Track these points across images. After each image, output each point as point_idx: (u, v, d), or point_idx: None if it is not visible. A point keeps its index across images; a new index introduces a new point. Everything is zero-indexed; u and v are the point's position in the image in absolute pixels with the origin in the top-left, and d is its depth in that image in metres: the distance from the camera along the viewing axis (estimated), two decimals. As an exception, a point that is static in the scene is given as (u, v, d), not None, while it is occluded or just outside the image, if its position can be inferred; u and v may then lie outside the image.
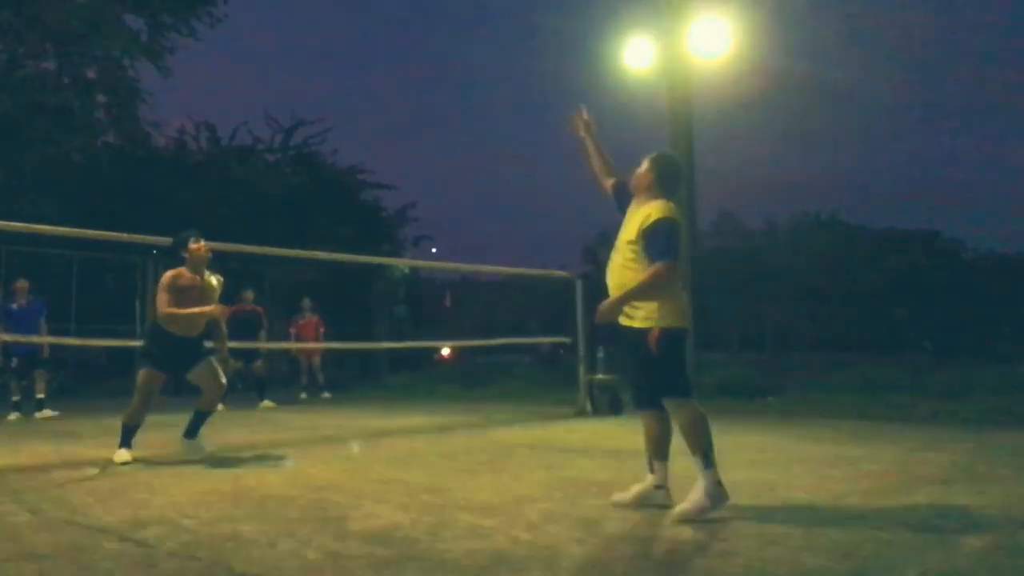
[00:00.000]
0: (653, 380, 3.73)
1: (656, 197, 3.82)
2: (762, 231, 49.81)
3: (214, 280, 5.83)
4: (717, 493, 3.53)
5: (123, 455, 5.47)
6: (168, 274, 5.66)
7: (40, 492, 4.33)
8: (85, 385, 14.88)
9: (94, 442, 6.78)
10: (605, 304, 3.74)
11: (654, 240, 3.68)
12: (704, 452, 3.58)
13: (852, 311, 38.72)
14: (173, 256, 5.80)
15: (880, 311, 38.89)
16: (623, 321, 3.77)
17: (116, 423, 5.89)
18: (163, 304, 5.57)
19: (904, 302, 38.66)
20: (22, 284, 9.88)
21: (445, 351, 12.11)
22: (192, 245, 5.69)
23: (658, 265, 3.64)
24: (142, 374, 5.77)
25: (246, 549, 3.06)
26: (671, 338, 3.66)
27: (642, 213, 3.77)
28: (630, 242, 3.77)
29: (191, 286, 5.65)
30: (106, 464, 5.35)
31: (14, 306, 9.74)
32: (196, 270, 5.72)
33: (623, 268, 3.78)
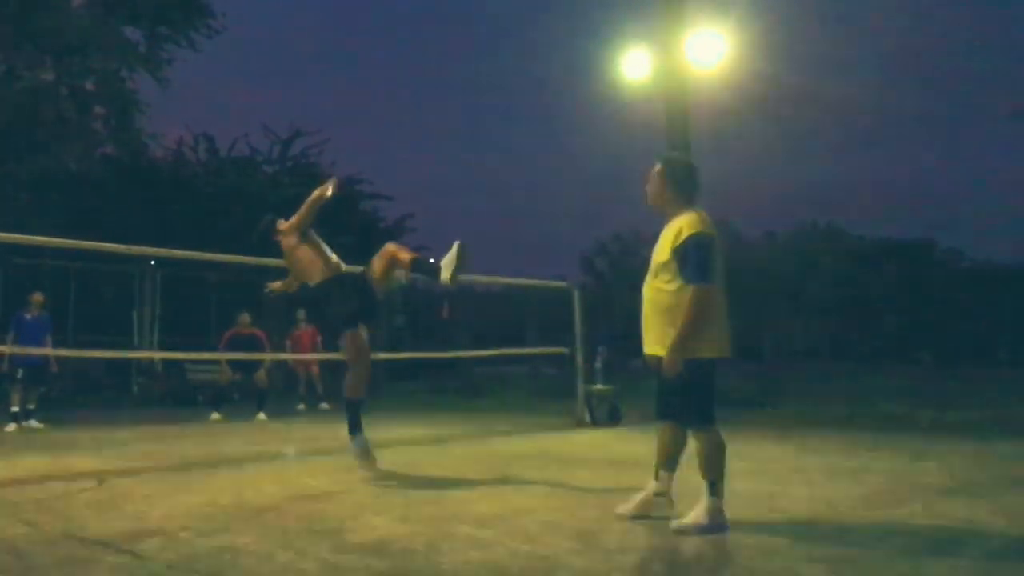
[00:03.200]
0: (678, 405, 3.66)
1: (682, 208, 3.69)
2: (761, 241, 49.90)
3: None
4: (718, 519, 3.51)
5: (361, 454, 5.21)
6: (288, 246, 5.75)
7: (37, 504, 4.31)
8: (82, 396, 14.85)
9: (91, 454, 6.76)
10: (667, 361, 3.56)
11: (686, 261, 3.55)
12: (713, 480, 3.55)
13: (850, 321, 38.75)
14: (264, 244, 5.81)
15: (878, 321, 38.91)
16: (655, 351, 3.65)
17: (113, 435, 5.86)
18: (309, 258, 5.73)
19: (902, 312, 38.70)
20: (38, 297, 10.04)
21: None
22: (281, 227, 5.80)
23: (692, 290, 3.51)
24: (348, 338, 5.40)
25: (244, 561, 3.05)
26: (697, 369, 3.56)
27: (673, 230, 3.63)
28: (664, 263, 3.63)
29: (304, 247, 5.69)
30: (103, 476, 5.33)
31: (28, 316, 9.83)
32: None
33: (658, 292, 3.64)
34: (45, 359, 9.96)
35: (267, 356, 11.94)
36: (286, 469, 5.79)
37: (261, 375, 11.48)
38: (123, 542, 3.37)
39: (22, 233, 6.86)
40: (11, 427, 9.34)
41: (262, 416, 10.98)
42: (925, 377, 14.89)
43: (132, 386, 16.38)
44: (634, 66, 11.11)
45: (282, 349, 13.36)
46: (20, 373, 9.69)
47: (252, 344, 11.31)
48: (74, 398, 14.48)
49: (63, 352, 11.10)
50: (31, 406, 9.77)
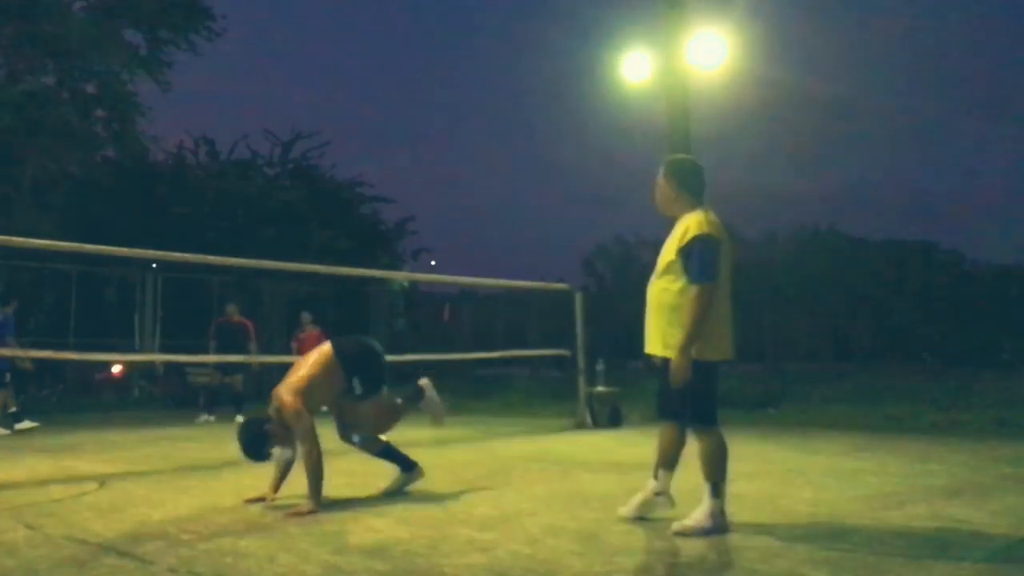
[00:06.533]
0: (680, 406, 3.64)
1: (689, 207, 3.70)
2: (761, 243, 49.83)
3: None
4: (720, 521, 3.50)
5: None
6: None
7: (39, 507, 4.31)
8: (83, 399, 14.85)
9: (93, 456, 6.77)
10: (675, 365, 3.51)
11: (690, 261, 3.54)
12: (715, 482, 3.53)
13: (852, 323, 38.75)
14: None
15: (880, 322, 38.90)
16: (656, 350, 3.63)
17: (114, 437, 5.85)
18: None
19: (904, 313, 38.67)
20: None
21: (116, 368, 11.06)
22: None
23: (695, 289, 3.50)
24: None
25: (245, 564, 3.05)
26: (699, 371, 3.53)
27: (680, 230, 3.64)
28: (670, 263, 3.62)
29: None
30: (104, 479, 5.33)
31: (9, 311, 9.85)
32: None
33: (663, 292, 3.63)
34: (9, 360, 9.88)
35: (269, 359, 11.90)
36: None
37: (237, 379, 11.28)
38: (125, 545, 3.38)
39: (23, 237, 6.86)
40: None
41: (240, 419, 10.74)
42: (927, 378, 14.87)
43: (133, 389, 16.39)
44: (635, 68, 11.10)
45: (287, 352, 13.33)
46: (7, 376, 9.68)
47: (238, 332, 11.18)
48: (75, 401, 14.48)
49: (64, 355, 11.10)
50: (13, 409, 9.69)
